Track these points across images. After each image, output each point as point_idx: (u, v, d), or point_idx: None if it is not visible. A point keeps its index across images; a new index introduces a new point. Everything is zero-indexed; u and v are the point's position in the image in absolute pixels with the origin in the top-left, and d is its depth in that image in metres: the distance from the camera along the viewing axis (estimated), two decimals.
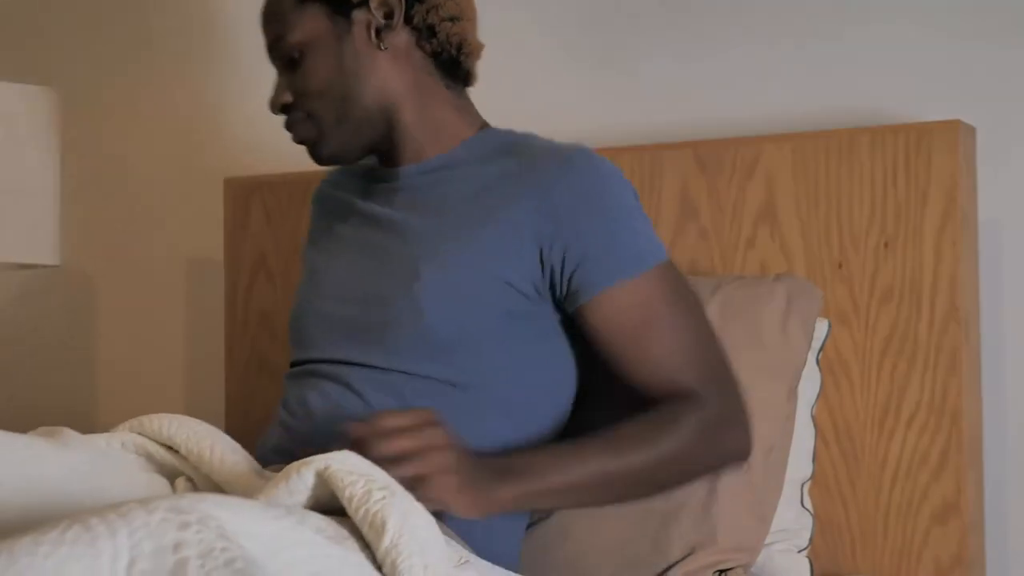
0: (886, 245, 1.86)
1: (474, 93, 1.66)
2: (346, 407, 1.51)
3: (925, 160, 1.84)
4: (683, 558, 1.57)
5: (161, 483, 1.44)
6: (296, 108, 1.59)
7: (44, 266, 2.34)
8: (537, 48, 2.24)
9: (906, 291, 1.85)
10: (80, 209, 2.63)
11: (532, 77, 2.23)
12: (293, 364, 1.64)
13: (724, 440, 1.50)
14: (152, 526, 0.97)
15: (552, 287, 1.51)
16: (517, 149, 1.56)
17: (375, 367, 1.51)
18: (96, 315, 2.70)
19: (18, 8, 2.77)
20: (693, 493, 1.59)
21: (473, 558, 1.28)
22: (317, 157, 1.61)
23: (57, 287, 2.71)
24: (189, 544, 0.96)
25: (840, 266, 1.89)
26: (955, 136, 1.83)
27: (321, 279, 1.64)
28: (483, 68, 1.67)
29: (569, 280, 1.49)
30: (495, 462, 1.41)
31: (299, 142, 1.61)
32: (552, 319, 1.54)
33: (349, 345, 1.54)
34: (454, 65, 1.61)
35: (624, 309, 1.49)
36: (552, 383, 1.57)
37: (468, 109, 1.63)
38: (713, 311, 1.72)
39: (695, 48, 2.14)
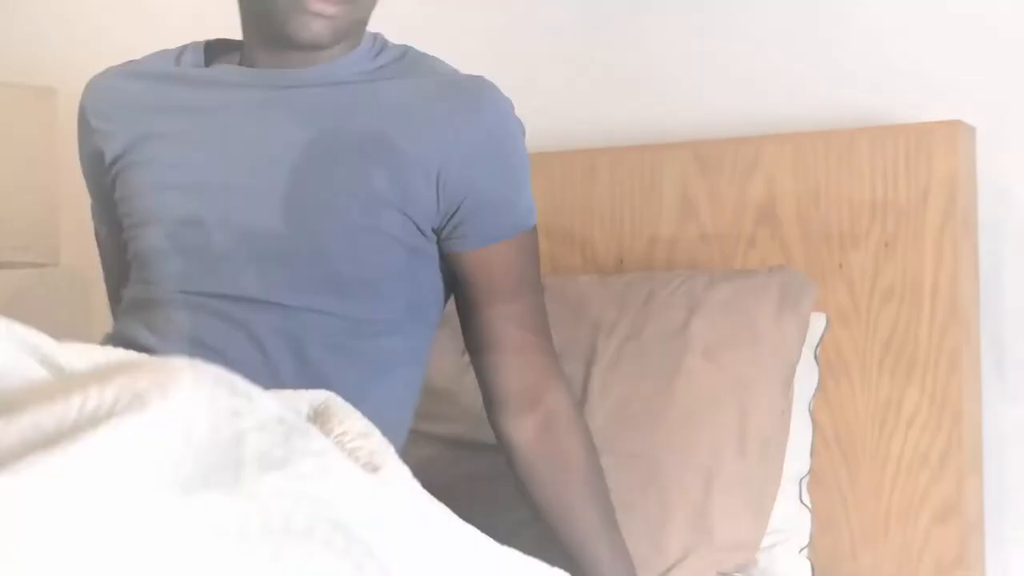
0: (886, 245, 1.86)
1: None
2: (241, 355, 1.42)
3: (925, 160, 1.84)
4: (683, 559, 1.57)
5: None
6: None
7: (44, 266, 2.34)
8: (536, 47, 2.24)
9: (906, 291, 1.85)
10: (80, 209, 2.63)
11: (532, 77, 2.23)
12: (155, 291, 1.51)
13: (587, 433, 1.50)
14: (205, 391, 0.87)
15: (441, 226, 1.48)
16: (417, 70, 1.50)
17: (269, 303, 1.44)
18: (95, 315, 2.69)
19: (18, 8, 2.76)
20: (688, 491, 1.60)
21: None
22: (321, 35, 1.44)
23: (56, 287, 2.70)
24: (243, 414, 0.89)
25: (840, 266, 1.89)
26: (955, 136, 1.83)
27: (194, 198, 1.50)
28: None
29: (456, 226, 1.47)
30: None
31: (321, 15, 1.42)
32: (433, 252, 1.51)
33: (244, 279, 1.44)
34: None
35: (494, 266, 1.48)
36: (434, 310, 1.55)
37: None
38: (707, 304, 1.73)
39: (695, 48, 2.14)
